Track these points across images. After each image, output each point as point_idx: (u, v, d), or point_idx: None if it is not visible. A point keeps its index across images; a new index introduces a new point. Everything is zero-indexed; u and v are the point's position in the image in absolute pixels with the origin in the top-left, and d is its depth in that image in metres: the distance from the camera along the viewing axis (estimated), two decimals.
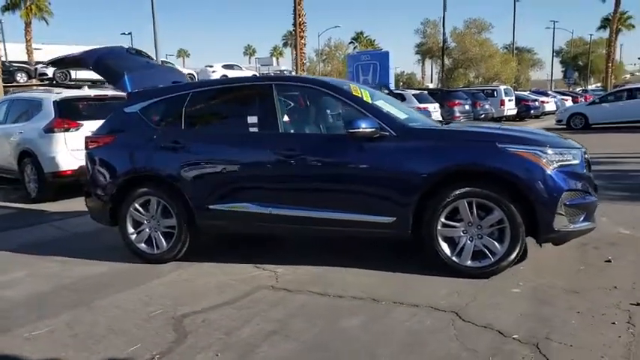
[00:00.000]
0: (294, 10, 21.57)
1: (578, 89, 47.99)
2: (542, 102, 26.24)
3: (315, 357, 2.78)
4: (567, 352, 2.67)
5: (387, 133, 3.86)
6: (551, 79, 53.73)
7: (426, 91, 18.95)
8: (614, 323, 2.97)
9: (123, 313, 3.47)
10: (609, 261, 4.01)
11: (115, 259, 4.63)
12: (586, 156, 3.95)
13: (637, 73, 79.82)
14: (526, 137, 3.85)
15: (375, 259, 4.28)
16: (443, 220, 3.77)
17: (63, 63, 5.26)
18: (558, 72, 66.14)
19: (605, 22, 47.76)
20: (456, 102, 18.50)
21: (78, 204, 6.14)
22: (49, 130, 7.17)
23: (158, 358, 2.82)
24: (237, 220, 4.29)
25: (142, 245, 4.55)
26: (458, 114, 18.09)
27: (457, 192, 3.70)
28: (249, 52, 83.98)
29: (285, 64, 59.40)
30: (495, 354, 2.68)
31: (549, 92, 32.79)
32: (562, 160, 3.68)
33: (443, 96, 18.75)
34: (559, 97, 30.42)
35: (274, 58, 63.03)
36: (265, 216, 4.17)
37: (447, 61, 27.58)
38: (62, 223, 6.25)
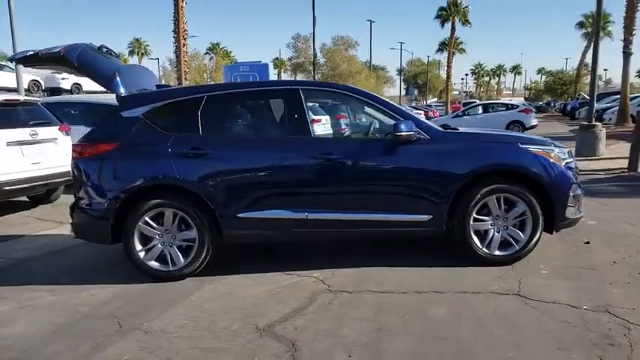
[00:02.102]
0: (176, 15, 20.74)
1: (416, 104, 53.56)
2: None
3: (439, 345, 2.91)
4: (636, 315, 3.19)
5: (422, 137, 4.14)
6: (400, 95, 59.13)
7: (317, 104, 19.59)
8: None
9: (195, 332, 3.20)
10: (588, 242, 4.77)
11: (111, 280, 4.21)
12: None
13: (462, 92, 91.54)
14: (537, 138, 4.44)
15: (390, 256, 4.49)
16: (474, 215, 4.16)
17: (36, 60, 4.51)
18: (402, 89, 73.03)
19: (442, 46, 54.11)
20: (342, 114, 19.42)
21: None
22: None
23: None
24: (269, 227, 4.18)
25: (154, 263, 4.17)
26: (344, 126, 19.03)
27: (486, 189, 4.12)
28: None
29: None
30: (586, 323, 3.09)
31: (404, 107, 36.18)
32: (565, 158, 4.32)
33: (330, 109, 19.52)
34: (414, 111, 33.73)
35: None
36: (301, 221, 4.14)
37: (318, 76, 28.94)
38: (15, 245, 5.36)
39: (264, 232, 4.24)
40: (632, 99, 23.08)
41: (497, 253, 4.21)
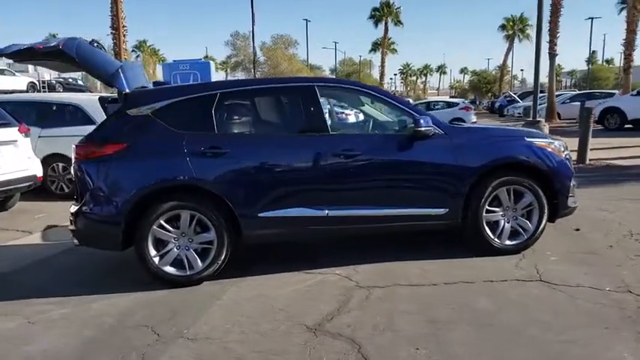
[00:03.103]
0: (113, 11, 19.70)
1: None
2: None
3: (497, 332, 3.00)
4: None
5: (438, 132, 4.24)
6: None
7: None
8: None
9: (245, 336, 3.09)
10: (578, 229, 5.10)
11: (118, 288, 3.98)
12: None
13: (393, 92, 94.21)
14: (538, 132, 4.68)
15: (403, 250, 4.57)
16: (487, 207, 4.32)
17: (30, 55, 4.10)
18: None
19: (375, 46, 55.47)
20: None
21: None
22: None
23: None
24: (290, 225, 4.11)
25: (169, 268, 3.98)
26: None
27: (497, 181, 4.29)
28: None
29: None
30: (618, 303, 3.31)
31: None
32: (564, 150, 4.59)
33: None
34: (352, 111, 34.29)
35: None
36: (321, 219, 4.11)
37: (258, 74, 28.56)
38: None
39: (283, 232, 4.17)
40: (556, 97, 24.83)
41: (507, 242, 4.40)
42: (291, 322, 3.25)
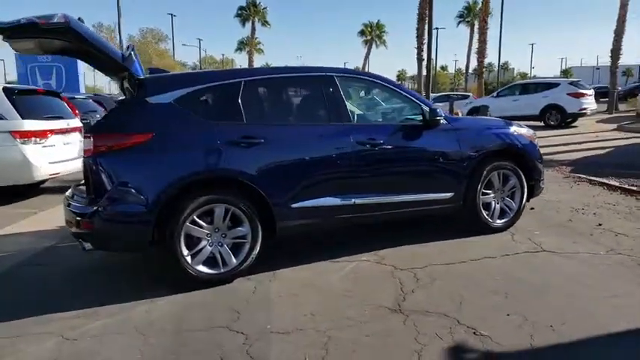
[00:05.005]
0: None
1: None
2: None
3: (555, 295, 3.39)
4: None
5: (446, 122, 4.58)
6: None
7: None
8: None
9: (336, 323, 3.06)
10: (533, 208, 5.85)
11: (135, 293, 3.65)
12: None
13: None
14: (520, 123, 5.26)
15: (404, 234, 4.84)
16: (483, 190, 4.78)
17: (31, 31, 3.36)
18: None
19: (241, 45, 55.15)
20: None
21: None
22: None
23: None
24: (320, 215, 4.10)
25: (201, 267, 3.72)
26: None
27: (490, 166, 4.77)
28: None
29: None
30: (619, 261, 3.96)
31: None
32: (535, 137, 5.26)
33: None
34: None
35: None
36: (348, 207, 4.18)
37: None
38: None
39: (313, 221, 4.14)
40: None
41: (498, 221, 4.91)
42: (369, 306, 3.30)
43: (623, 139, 13.39)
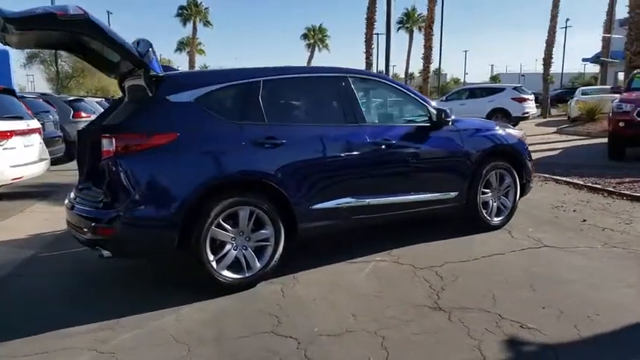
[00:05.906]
0: None
1: None
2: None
3: (579, 287, 3.56)
4: (635, 242, 4.49)
5: (451, 123, 4.70)
6: None
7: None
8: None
9: (377, 323, 3.05)
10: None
11: (149, 302, 3.47)
12: None
13: None
14: (510, 125, 5.48)
15: (408, 235, 4.93)
16: (482, 189, 4.95)
17: (46, 23, 3.05)
18: None
19: (181, 45, 53.72)
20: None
21: None
22: None
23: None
24: (336, 217, 4.08)
25: (226, 272, 3.61)
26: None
27: (489, 166, 4.95)
28: None
29: None
30: (618, 254, 4.23)
31: None
32: (525, 137, 5.51)
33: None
34: None
35: None
36: (363, 208, 4.20)
37: (67, 68, 25.02)
38: None
39: (330, 223, 4.11)
40: None
41: (496, 219, 5.10)
42: (406, 304, 3.32)
43: (566, 141, 14.32)
